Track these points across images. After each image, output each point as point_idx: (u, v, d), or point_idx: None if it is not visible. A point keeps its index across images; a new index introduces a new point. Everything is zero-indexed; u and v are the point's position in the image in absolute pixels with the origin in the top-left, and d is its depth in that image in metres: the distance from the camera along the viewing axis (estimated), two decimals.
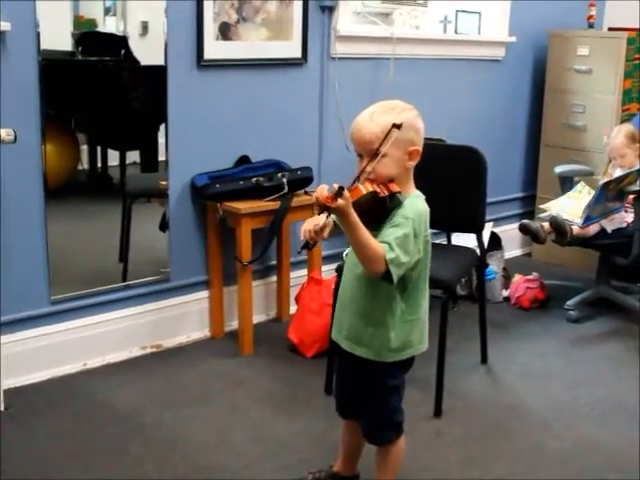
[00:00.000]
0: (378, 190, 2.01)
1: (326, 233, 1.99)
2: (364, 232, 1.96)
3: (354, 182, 2.00)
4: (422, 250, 2.08)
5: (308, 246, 2.03)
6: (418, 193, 2.14)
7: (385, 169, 2.04)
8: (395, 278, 2.00)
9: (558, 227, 3.81)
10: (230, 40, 3.46)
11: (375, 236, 2.01)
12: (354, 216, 1.93)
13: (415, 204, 2.07)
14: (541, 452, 2.75)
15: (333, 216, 1.97)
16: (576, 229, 3.80)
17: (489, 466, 2.66)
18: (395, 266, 1.99)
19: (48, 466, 2.56)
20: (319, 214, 1.96)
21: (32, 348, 3.11)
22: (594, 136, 4.58)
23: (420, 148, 2.09)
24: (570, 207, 3.93)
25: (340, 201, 1.88)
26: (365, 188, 1.99)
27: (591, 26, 4.77)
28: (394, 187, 2.03)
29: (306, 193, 3.54)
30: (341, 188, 1.89)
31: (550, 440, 2.84)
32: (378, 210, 2.03)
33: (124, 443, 2.72)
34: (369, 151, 2.03)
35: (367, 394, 2.23)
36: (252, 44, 3.53)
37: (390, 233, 2.00)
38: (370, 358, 2.15)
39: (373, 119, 2.04)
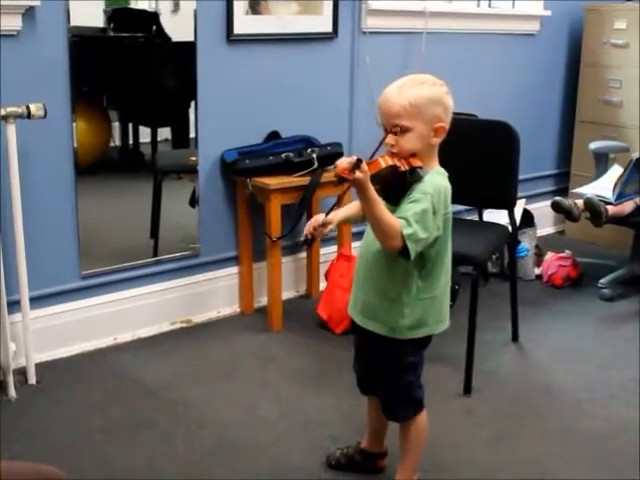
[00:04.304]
0: (398, 164, 1.97)
1: (327, 229, 2.07)
2: (381, 207, 1.93)
3: (373, 154, 1.96)
4: (442, 227, 2.04)
5: (307, 241, 2.10)
6: (441, 170, 2.09)
7: (408, 144, 2.00)
8: (412, 254, 1.97)
9: (593, 209, 3.73)
10: (260, 15, 3.43)
11: (393, 212, 1.98)
12: (372, 190, 1.90)
13: (435, 180, 2.03)
14: (572, 432, 2.72)
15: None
16: (611, 208, 3.72)
17: (519, 445, 2.63)
18: (413, 242, 1.96)
19: (78, 439, 2.59)
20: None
21: (63, 323, 3.14)
22: (630, 112, 4.50)
23: (447, 125, 2.04)
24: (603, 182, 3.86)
25: (358, 174, 1.85)
26: (385, 161, 1.96)
27: None
28: (415, 162, 1.99)
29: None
30: (359, 160, 1.85)
31: (581, 420, 2.80)
32: (398, 184, 1.99)
33: (153, 418, 2.73)
34: (395, 124, 2.00)
35: (383, 370, 2.22)
36: (282, 19, 3.50)
37: (408, 209, 1.97)
38: (383, 334, 2.13)
39: (402, 92, 2.00)
